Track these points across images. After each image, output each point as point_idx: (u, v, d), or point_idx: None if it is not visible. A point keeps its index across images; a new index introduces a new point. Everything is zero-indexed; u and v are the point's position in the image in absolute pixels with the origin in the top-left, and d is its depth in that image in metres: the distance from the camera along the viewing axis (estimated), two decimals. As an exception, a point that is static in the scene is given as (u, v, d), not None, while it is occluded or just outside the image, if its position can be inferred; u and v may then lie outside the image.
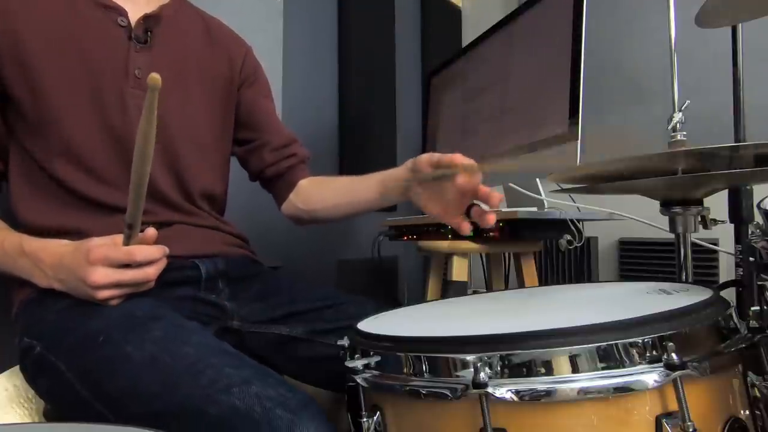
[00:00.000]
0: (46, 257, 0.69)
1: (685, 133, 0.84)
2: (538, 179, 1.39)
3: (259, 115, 0.98)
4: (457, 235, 1.28)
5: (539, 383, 0.43)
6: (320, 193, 0.97)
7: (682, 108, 0.86)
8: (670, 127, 0.85)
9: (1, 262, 0.72)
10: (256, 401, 0.54)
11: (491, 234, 1.20)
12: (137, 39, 0.79)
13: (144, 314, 0.65)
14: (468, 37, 2.59)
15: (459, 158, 0.70)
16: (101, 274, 0.64)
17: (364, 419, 0.52)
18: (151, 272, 0.67)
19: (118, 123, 0.77)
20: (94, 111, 0.76)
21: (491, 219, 0.70)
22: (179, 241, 0.80)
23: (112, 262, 0.64)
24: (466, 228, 0.74)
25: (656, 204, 0.82)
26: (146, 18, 0.80)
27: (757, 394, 0.49)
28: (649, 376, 0.42)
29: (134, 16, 0.80)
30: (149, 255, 0.66)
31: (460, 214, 0.75)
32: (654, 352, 0.43)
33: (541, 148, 1.13)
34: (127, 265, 0.65)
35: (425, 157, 0.74)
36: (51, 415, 0.71)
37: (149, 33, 0.81)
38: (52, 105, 0.74)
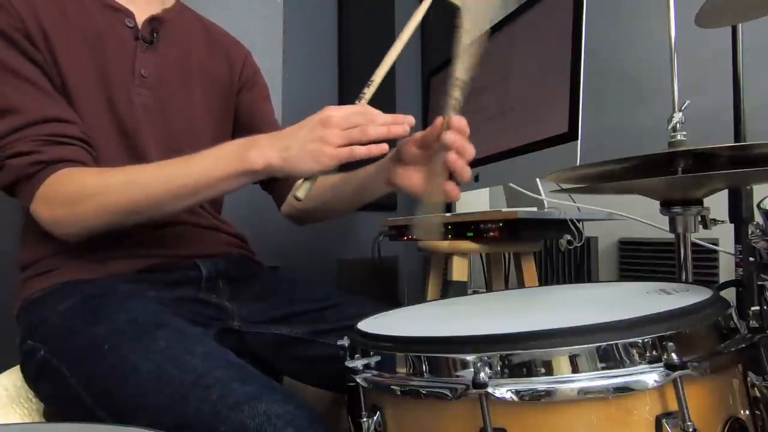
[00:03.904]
0: (249, 138, 0.67)
1: (685, 133, 0.84)
2: (538, 179, 1.39)
3: (259, 118, 0.98)
4: (457, 235, 1.29)
5: (539, 383, 0.43)
6: (313, 191, 0.97)
7: (682, 108, 0.86)
8: (670, 127, 0.85)
9: (188, 170, 0.67)
10: (266, 420, 0.54)
11: (491, 234, 1.20)
12: (144, 39, 0.81)
13: (148, 321, 0.65)
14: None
15: (438, 121, 0.69)
16: (335, 109, 0.63)
17: (364, 419, 0.52)
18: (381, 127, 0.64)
19: (125, 120, 0.78)
20: (106, 109, 0.77)
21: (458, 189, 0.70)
22: (180, 241, 0.81)
23: (344, 109, 0.64)
24: (455, 191, 0.70)
25: (656, 204, 0.82)
26: (152, 20, 0.82)
27: (757, 394, 0.49)
28: (649, 376, 0.42)
29: (140, 18, 0.81)
30: (386, 116, 0.65)
31: (443, 182, 0.71)
32: (654, 352, 0.43)
33: (541, 148, 1.13)
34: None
35: (408, 141, 0.74)
36: (51, 415, 0.71)
37: (155, 34, 0.82)
38: (72, 102, 0.75)
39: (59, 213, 0.68)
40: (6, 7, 0.70)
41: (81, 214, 0.68)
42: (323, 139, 0.62)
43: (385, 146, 0.65)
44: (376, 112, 0.65)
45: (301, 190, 0.68)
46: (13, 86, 0.70)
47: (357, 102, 0.68)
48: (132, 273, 0.76)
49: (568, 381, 0.43)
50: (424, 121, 1.76)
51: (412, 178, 0.75)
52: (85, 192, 0.68)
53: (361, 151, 0.64)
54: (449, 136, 0.67)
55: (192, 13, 0.93)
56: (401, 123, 0.65)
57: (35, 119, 0.69)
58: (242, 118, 0.97)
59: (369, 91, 0.69)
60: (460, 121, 0.68)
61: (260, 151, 0.65)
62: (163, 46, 0.83)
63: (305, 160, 0.63)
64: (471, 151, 0.68)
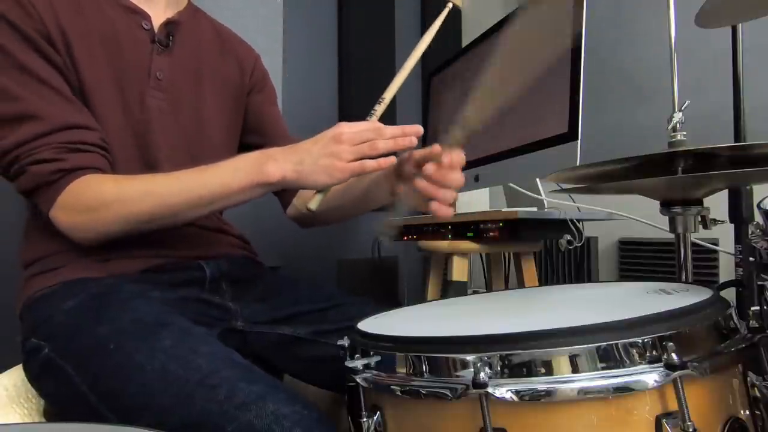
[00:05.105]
0: (263, 152, 0.70)
1: (685, 133, 0.84)
2: (538, 179, 1.39)
3: (267, 121, 0.99)
4: (457, 235, 1.29)
5: (539, 383, 0.43)
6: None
7: (682, 108, 0.86)
8: (670, 127, 0.85)
9: (205, 182, 0.69)
10: (273, 420, 0.54)
11: (491, 234, 1.20)
12: (160, 42, 0.82)
13: (153, 320, 0.65)
14: (468, 37, 2.59)
15: (435, 148, 0.72)
16: (347, 126, 0.66)
17: (364, 419, 0.52)
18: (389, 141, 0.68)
19: (139, 122, 0.79)
20: (120, 110, 0.78)
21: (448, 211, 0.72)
22: (185, 242, 0.81)
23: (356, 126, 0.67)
24: (440, 209, 0.73)
25: (656, 204, 0.82)
26: (168, 23, 0.83)
27: (757, 394, 0.49)
28: (649, 376, 0.42)
29: (156, 20, 0.82)
30: (393, 129, 0.68)
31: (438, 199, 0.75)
32: (654, 352, 0.43)
33: (541, 148, 1.13)
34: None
35: (407, 159, 0.77)
36: (52, 414, 0.71)
37: (171, 37, 0.83)
38: (88, 103, 0.75)
39: (78, 220, 0.70)
40: (29, 10, 0.70)
41: (99, 221, 0.70)
42: (335, 155, 0.66)
43: (393, 158, 0.69)
44: (384, 127, 0.68)
45: (314, 201, 0.71)
46: (34, 91, 0.70)
47: (368, 118, 0.71)
48: (137, 273, 0.76)
49: (568, 381, 0.43)
50: (425, 121, 1.76)
51: (409, 192, 0.78)
52: (103, 201, 0.69)
53: (371, 165, 0.67)
54: (429, 168, 0.71)
55: (203, 15, 0.94)
56: (408, 135, 0.69)
57: (57, 126, 0.70)
58: (250, 120, 0.98)
59: (380, 109, 0.73)
60: (454, 157, 0.71)
61: (276, 164, 0.68)
62: (178, 49, 0.84)
63: (318, 174, 0.67)
64: (456, 181, 0.72)
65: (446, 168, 0.71)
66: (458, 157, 0.72)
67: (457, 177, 0.72)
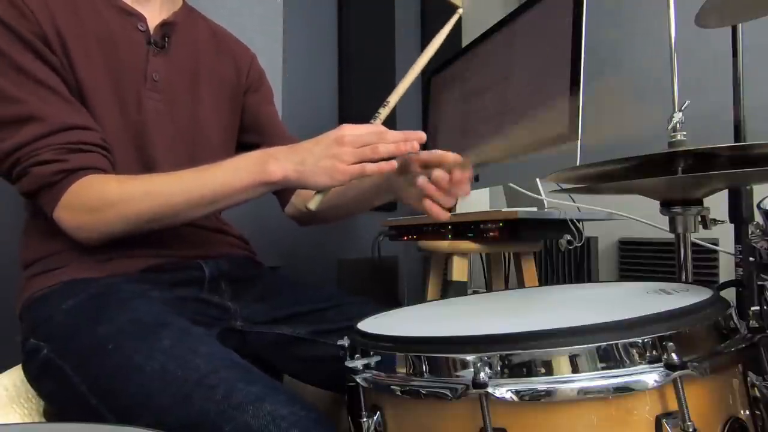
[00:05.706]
0: (265, 151, 0.71)
1: (685, 133, 0.84)
2: (538, 179, 1.39)
3: (264, 120, 1.00)
4: (457, 235, 1.29)
5: (539, 383, 0.43)
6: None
7: (682, 108, 0.86)
8: (670, 127, 0.85)
9: (206, 181, 0.70)
10: (270, 420, 0.54)
11: (491, 234, 1.20)
12: (155, 44, 0.82)
13: (152, 321, 0.65)
14: (468, 37, 2.59)
15: (448, 156, 0.73)
16: (350, 128, 0.67)
17: (364, 419, 0.52)
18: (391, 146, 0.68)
19: (136, 123, 0.79)
20: (118, 112, 0.78)
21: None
22: (185, 242, 0.81)
23: (359, 129, 0.68)
24: (433, 208, 0.75)
25: (656, 204, 0.82)
26: (163, 24, 0.83)
27: (757, 394, 0.49)
28: (649, 376, 0.42)
29: (151, 22, 0.82)
30: (396, 134, 0.68)
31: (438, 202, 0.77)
32: (654, 352, 0.43)
33: (541, 148, 1.13)
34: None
35: (413, 157, 0.77)
36: (52, 414, 0.71)
37: (167, 39, 0.83)
38: (86, 105, 0.75)
39: (82, 220, 0.70)
40: (24, 11, 0.70)
41: (102, 221, 0.70)
42: (337, 157, 0.66)
43: (393, 163, 0.69)
44: (387, 131, 0.69)
45: (314, 201, 0.72)
46: (32, 93, 0.70)
47: (372, 121, 0.72)
48: (136, 273, 0.76)
49: (568, 381, 0.43)
50: (425, 121, 1.76)
51: (412, 191, 0.79)
52: (106, 201, 0.70)
53: (372, 168, 0.67)
54: (438, 174, 0.72)
55: (198, 15, 0.94)
56: (411, 140, 0.69)
57: (56, 127, 0.70)
58: (247, 120, 0.98)
59: (384, 112, 0.73)
60: (467, 173, 0.73)
61: (278, 164, 0.68)
62: (174, 50, 0.84)
63: (319, 175, 0.67)
64: (464, 192, 0.74)
65: (457, 179, 0.73)
66: (470, 173, 0.74)
67: (466, 188, 0.74)
